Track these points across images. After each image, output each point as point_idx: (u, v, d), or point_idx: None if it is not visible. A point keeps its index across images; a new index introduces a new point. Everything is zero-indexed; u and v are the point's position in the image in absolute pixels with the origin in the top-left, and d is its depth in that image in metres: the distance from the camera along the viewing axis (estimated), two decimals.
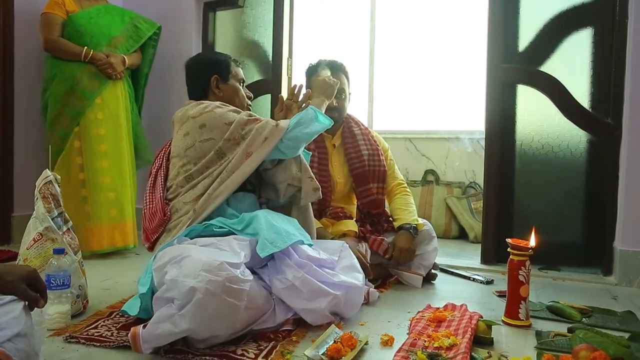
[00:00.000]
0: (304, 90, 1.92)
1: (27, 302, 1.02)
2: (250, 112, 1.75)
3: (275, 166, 1.76)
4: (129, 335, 1.27)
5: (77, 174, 2.54)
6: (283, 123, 1.70)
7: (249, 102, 1.93)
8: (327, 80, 1.93)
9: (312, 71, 2.22)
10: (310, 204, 1.86)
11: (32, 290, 1.03)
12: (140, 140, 2.85)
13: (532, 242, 1.62)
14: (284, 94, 3.13)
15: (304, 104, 1.87)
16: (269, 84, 3.16)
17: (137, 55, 2.81)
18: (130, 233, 2.61)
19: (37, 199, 1.61)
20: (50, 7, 2.59)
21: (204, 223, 1.58)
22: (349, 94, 2.25)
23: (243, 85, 1.93)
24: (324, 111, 1.81)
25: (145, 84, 2.95)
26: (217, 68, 1.86)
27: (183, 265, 1.28)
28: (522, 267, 1.58)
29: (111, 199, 2.56)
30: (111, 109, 2.61)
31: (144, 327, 1.25)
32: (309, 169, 1.79)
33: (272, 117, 1.90)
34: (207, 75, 1.84)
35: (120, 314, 1.56)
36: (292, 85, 2.00)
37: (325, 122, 1.74)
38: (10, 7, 2.76)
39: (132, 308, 1.45)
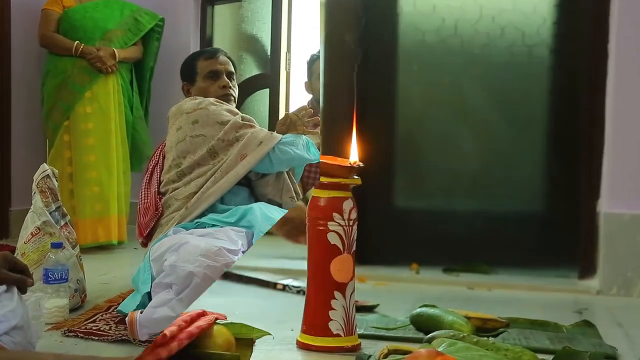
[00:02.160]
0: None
1: (17, 288, 1.01)
2: (244, 115, 1.75)
3: (258, 179, 1.77)
4: (127, 320, 1.28)
5: (66, 168, 2.53)
6: (277, 134, 1.72)
7: (230, 91, 1.83)
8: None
9: (313, 61, 2.24)
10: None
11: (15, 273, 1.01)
12: (141, 135, 2.81)
13: (355, 155, 0.93)
14: (283, 92, 3.13)
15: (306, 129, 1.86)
16: (267, 78, 3.15)
17: (136, 48, 2.76)
18: (114, 228, 2.56)
19: (34, 193, 1.62)
20: (48, 3, 2.60)
21: (195, 221, 1.58)
22: None
23: (221, 76, 1.82)
24: None
25: (151, 77, 2.91)
26: (184, 73, 1.90)
27: (181, 251, 1.30)
28: (337, 213, 0.83)
29: (96, 193, 2.53)
30: (101, 103, 2.58)
31: (142, 312, 1.26)
32: (292, 189, 1.80)
33: (270, 128, 1.89)
34: (182, 82, 1.91)
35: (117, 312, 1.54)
36: (307, 105, 1.97)
37: (316, 155, 1.76)
38: (7, 2, 2.74)
39: (129, 307, 1.44)
